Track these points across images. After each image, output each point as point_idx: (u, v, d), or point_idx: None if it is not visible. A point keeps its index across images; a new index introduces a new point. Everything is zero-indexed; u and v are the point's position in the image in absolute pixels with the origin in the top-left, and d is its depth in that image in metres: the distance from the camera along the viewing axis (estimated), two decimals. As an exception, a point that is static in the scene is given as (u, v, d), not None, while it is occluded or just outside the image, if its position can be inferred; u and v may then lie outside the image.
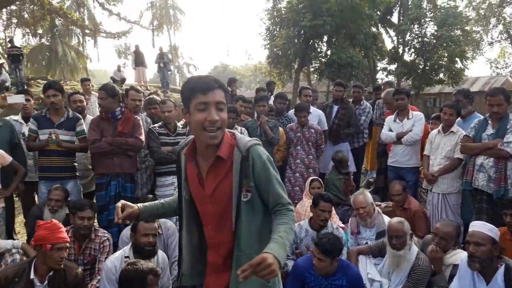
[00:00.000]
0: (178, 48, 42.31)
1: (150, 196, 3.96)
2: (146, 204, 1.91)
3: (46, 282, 2.77)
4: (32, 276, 2.74)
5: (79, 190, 4.32)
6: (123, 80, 14.92)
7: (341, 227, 4.13)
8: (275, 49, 18.45)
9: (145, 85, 15.34)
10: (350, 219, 4.19)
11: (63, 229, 2.83)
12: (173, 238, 3.68)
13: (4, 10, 20.52)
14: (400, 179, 4.72)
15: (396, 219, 3.45)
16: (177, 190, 1.94)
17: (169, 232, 3.69)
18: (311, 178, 4.79)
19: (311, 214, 3.86)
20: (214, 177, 1.71)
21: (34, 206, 4.10)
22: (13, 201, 4.25)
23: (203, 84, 1.60)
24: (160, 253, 3.24)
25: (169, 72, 16.57)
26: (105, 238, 3.55)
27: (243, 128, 4.97)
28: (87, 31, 24.34)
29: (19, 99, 4.56)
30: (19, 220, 5.28)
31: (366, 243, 3.81)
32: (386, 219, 3.89)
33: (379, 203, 4.92)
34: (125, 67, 16.27)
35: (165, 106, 4.36)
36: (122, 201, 1.81)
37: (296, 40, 17.43)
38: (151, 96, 5.11)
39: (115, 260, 3.05)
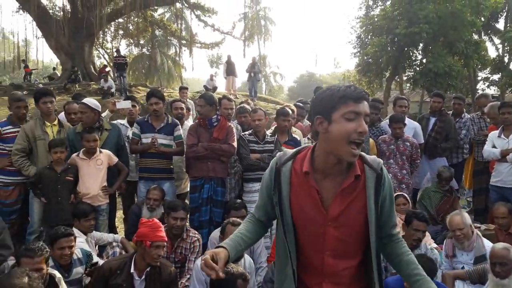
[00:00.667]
0: (266, 57, 43.21)
1: (239, 201, 4.07)
2: (228, 243, 1.61)
3: (143, 277, 2.97)
4: (132, 270, 2.96)
5: (174, 191, 4.59)
6: (214, 88, 15.64)
7: (434, 248, 3.86)
8: (365, 57, 17.99)
9: (235, 94, 15.90)
10: (445, 240, 3.90)
11: (163, 228, 3.02)
12: (258, 244, 3.73)
13: (112, 22, 22.72)
14: (505, 201, 4.31)
15: (501, 245, 3.13)
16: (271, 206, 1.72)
17: (255, 238, 3.75)
18: (395, 194, 4.55)
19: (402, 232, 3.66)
20: (344, 198, 1.54)
21: (134, 204, 4.44)
22: (115, 198, 4.65)
23: (355, 93, 1.47)
24: (247, 258, 3.30)
25: (258, 82, 17.00)
26: (196, 238, 3.72)
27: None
28: (183, 41, 25.96)
29: (126, 104, 5.01)
30: (118, 216, 5.74)
31: (463, 267, 3.53)
32: (487, 243, 3.58)
33: (479, 225, 4.55)
34: (216, 76, 17.02)
35: (256, 114, 4.47)
36: (208, 253, 1.50)
37: (389, 47, 16.84)
38: (242, 105, 5.28)
39: (205, 261, 3.17)
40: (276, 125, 4.79)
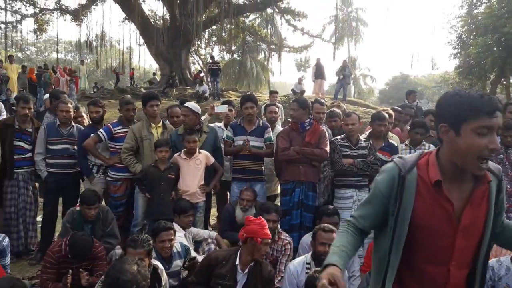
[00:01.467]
0: (356, 59, 42.07)
1: (331, 207, 4.00)
2: (338, 260, 1.48)
3: (246, 271, 3.10)
4: (237, 262, 3.11)
5: (264, 193, 4.68)
6: (302, 92, 15.66)
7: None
8: (467, 59, 16.62)
9: (323, 97, 15.74)
10: None
11: (267, 226, 3.13)
12: (352, 252, 3.65)
13: (206, 30, 23.89)
14: None
15: None
16: (355, 205, 1.72)
17: (348, 246, 3.67)
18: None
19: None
20: (474, 206, 1.48)
21: (227, 204, 4.62)
22: (210, 196, 4.88)
23: (490, 106, 1.35)
24: (340, 266, 3.24)
25: (348, 85, 16.64)
26: (287, 241, 3.75)
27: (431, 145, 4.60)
28: (272, 46, 26.39)
29: (224, 108, 5.25)
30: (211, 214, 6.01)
31: None
32: None
33: None
34: (303, 79, 17.03)
35: (349, 118, 4.37)
36: (325, 277, 1.38)
37: (495, 48, 15.35)
38: (332, 109, 5.21)
39: (298, 265, 3.20)
40: (371, 130, 4.64)
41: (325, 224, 3.36)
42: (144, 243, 2.96)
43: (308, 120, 4.28)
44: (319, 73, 15.99)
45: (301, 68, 34.46)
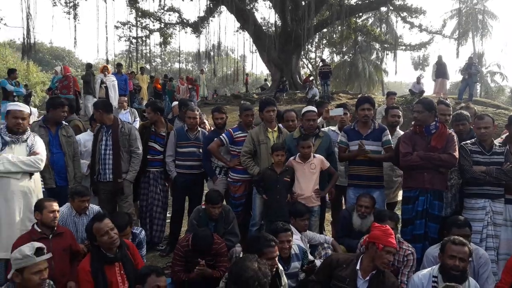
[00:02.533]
0: (483, 56, 37.95)
1: (462, 217, 3.67)
2: None
3: (368, 278, 3.01)
4: (357, 267, 3.05)
5: (383, 200, 4.49)
6: (421, 92, 14.64)
7: None
8: None
9: (445, 98, 14.52)
10: None
11: (393, 236, 3.01)
12: (485, 268, 3.31)
13: (317, 33, 23.82)
14: None
15: None
16: None
17: (481, 261, 3.34)
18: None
19: None
20: None
21: (344, 209, 4.55)
22: (325, 201, 4.84)
23: None
24: (472, 282, 2.96)
25: (475, 84, 15.10)
26: (410, 252, 3.54)
27: None
28: (386, 45, 25.24)
29: (339, 112, 5.18)
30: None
31: None
32: None
33: None
34: (422, 78, 15.82)
35: (482, 121, 3.97)
36: None
37: None
38: (459, 111, 4.76)
39: (423, 278, 3.00)
40: (507, 134, 4.15)
41: (456, 236, 3.09)
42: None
43: (434, 123, 3.99)
44: (440, 72, 14.80)
45: (418, 67, 32.26)
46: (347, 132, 4.61)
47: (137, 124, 7.43)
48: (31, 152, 3.87)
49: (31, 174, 3.85)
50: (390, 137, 4.50)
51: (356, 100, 5.59)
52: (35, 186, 3.93)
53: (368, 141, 4.41)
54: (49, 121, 4.52)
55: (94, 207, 4.20)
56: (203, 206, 4.30)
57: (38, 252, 2.79)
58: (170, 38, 25.33)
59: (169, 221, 5.33)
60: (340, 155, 4.66)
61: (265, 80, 28.25)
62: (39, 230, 3.49)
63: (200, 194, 5.27)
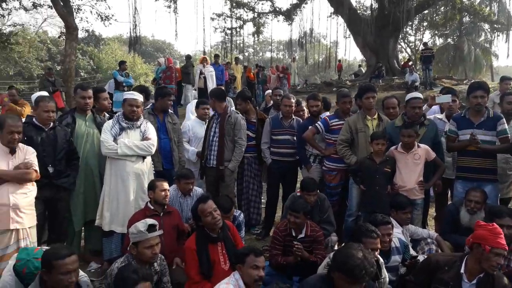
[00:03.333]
0: None
1: None
2: None
3: (474, 281, 2.78)
4: (462, 270, 2.83)
5: (496, 195, 4.10)
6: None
7: None
8: None
9: None
10: None
11: (503, 235, 2.74)
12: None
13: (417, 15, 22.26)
14: None
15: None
16: None
17: None
18: None
19: None
20: None
21: (450, 204, 4.23)
22: (429, 194, 4.54)
23: None
24: None
25: None
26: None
27: None
28: (497, 26, 22.73)
29: (447, 99, 4.80)
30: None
31: None
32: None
33: None
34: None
35: None
36: None
37: None
38: None
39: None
40: None
41: None
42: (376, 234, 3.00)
43: None
44: None
45: (536, 49, 28.58)
46: (456, 121, 4.27)
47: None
48: (144, 137, 4.22)
49: (143, 157, 4.21)
50: (506, 127, 4.07)
51: (461, 86, 5.14)
52: (147, 168, 4.28)
53: (480, 131, 4.05)
54: (157, 109, 4.88)
55: (198, 189, 4.47)
56: (298, 193, 4.32)
57: (150, 228, 3.05)
58: (263, 27, 25.67)
59: (264, 206, 5.46)
60: (448, 145, 4.33)
61: (359, 66, 27.28)
62: (152, 207, 3.81)
63: (294, 181, 5.30)
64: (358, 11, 22.28)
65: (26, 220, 3.44)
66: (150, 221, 3.13)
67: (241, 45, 28.30)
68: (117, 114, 4.31)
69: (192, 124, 5.47)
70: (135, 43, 18.21)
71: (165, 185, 3.86)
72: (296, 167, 5.32)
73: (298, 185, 5.07)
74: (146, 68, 34.62)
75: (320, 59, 32.86)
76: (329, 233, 4.23)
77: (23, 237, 3.43)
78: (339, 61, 26.12)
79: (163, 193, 3.81)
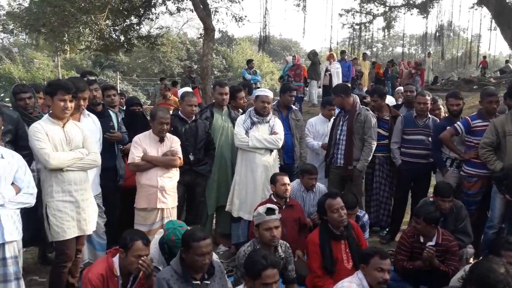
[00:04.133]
0: None
1: None
2: None
3: None
4: None
5: None
6: None
7: None
8: None
9: None
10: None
11: None
12: None
13: None
14: None
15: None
16: None
17: None
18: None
19: None
20: None
21: None
22: None
23: None
24: None
25: None
26: None
27: None
28: None
29: None
30: None
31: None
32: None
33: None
34: None
35: None
36: None
37: None
38: None
39: None
40: None
41: None
42: None
43: None
44: None
45: None
46: None
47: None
48: (272, 132, 4.41)
49: (271, 150, 4.40)
50: None
51: None
52: (273, 161, 4.47)
53: None
54: (281, 105, 5.03)
55: (321, 186, 4.50)
56: (431, 199, 4.04)
57: (269, 211, 3.19)
58: (394, 22, 24.40)
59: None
60: None
61: (507, 61, 24.04)
62: (274, 200, 3.96)
63: (426, 186, 4.96)
64: (508, 1, 19.63)
65: (170, 201, 3.89)
66: (270, 205, 3.29)
67: (370, 40, 27.37)
68: (249, 110, 4.57)
69: (316, 121, 5.50)
70: (264, 42, 18.93)
71: (286, 179, 3.98)
72: (429, 171, 4.97)
73: (430, 190, 4.74)
74: (273, 66, 35.75)
75: (459, 54, 29.93)
76: (464, 244, 3.88)
77: (166, 216, 3.88)
78: (484, 57, 23.38)
79: (283, 187, 3.93)
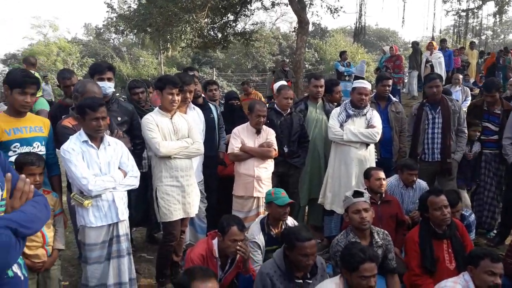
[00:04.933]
0: None
1: None
2: None
3: None
4: None
5: None
6: None
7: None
8: None
9: None
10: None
11: None
12: None
13: None
14: None
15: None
16: None
17: None
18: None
19: None
20: None
21: None
22: None
23: None
24: None
25: None
26: None
27: None
28: None
29: None
30: None
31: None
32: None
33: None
34: None
35: None
36: None
37: None
38: None
39: None
40: None
41: None
42: None
43: None
44: None
45: None
46: None
47: (467, 104, 6.96)
48: (369, 125, 4.28)
49: (367, 144, 4.28)
50: None
51: None
52: (369, 155, 4.35)
53: None
54: (379, 97, 4.85)
55: (422, 183, 4.26)
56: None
57: (356, 194, 3.20)
58: (507, 6, 21.89)
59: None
60: None
61: None
62: (369, 195, 3.86)
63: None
64: None
65: (265, 190, 4.00)
66: (358, 189, 3.27)
67: (478, 27, 24.96)
68: (344, 102, 4.49)
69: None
70: (359, 33, 18.30)
71: (381, 174, 3.85)
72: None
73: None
74: (368, 57, 34.50)
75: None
76: None
77: (262, 204, 4.01)
78: None
79: (378, 182, 3.81)
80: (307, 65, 31.46)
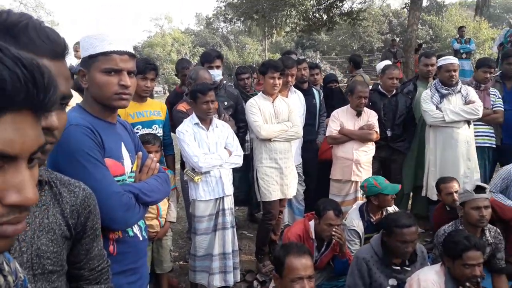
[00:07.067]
0: None
1: None
2: None
3: None
4: None
5: None
6: None
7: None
8: None
9: None
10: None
11: None
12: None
13: None
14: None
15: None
16: None
17: None
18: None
19: None
20: None
21: None
22: None
23: None
24: None
25: None
26: None
27: None
28: None
29: None
30: None
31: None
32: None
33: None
34: None
35: None
36: None
37: None
38: None
39: None
40: None
41: None
42: None
43: None
44: None
45: None
46: None
47: None
48: (467, 101, 3.96)
49: (468, 122, 3.94)
50: None
51: None
52: (471, 134, 4.02)
53: None
54: (505, 76, 4.37)
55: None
56: None
57: (478, 189, 2.91)
58: None
59: None
60: None
61: None
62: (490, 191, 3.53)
63: None
64: None
65: (364, 174, 3.93)
66: (480, 183, 3.02)
67: None
68: (433, 82, 4.18)
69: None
70: (483, 5, 16.37)
71: (453, 187, 3.53)
72: None
73: None
74: (493, 33, 30.71)
75: None
76: None
77: (359, 189, 3.95)
78: None
79: (449, 197, 3.53)
80: (420, 43, 29.24)
